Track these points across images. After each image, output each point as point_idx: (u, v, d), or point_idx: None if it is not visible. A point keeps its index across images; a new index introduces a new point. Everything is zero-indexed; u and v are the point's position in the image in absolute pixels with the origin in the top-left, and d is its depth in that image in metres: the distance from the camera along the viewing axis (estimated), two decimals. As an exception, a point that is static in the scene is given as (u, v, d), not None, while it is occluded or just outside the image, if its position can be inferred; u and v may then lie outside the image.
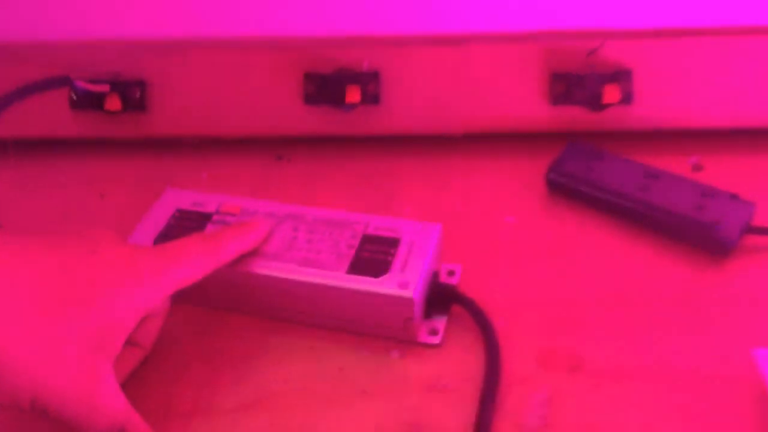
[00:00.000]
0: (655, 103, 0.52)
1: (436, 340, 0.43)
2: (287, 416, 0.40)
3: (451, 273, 0.46)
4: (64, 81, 0.53)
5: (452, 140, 0.55)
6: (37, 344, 0.34)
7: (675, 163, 0.51)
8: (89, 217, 0.52)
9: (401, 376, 0.41)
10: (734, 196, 0.47)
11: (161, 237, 0.44)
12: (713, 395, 0.39)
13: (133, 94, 0.54)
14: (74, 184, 0.55)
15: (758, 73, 0.52)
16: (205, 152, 0.56)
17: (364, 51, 0.53)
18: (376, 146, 0.55)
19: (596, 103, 0.52)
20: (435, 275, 0.44)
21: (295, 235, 0.44)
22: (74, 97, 0.54)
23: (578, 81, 0.52)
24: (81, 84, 0.53)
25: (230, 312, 0.45)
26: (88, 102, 0.54)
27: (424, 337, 0.43)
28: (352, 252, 0.43)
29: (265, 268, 0.42)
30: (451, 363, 0.42)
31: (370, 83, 0.53)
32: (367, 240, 0.43)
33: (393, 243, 0.43)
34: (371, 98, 0.53)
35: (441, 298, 0.43)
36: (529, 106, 0.53)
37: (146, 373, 0.41)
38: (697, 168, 0.52)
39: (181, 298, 0.41)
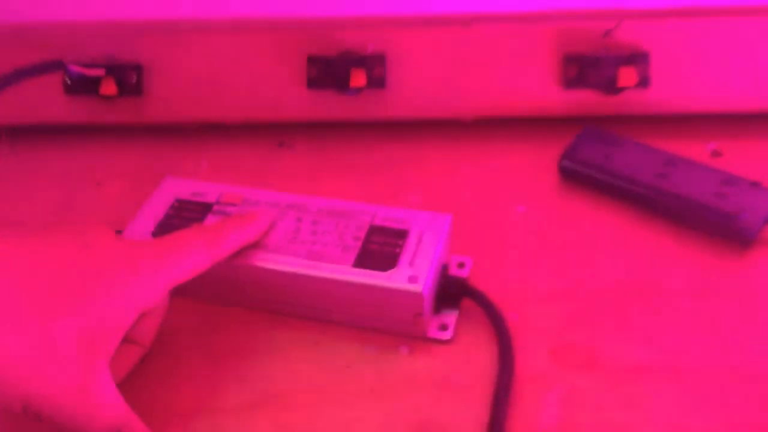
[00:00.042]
0: (672, 87, 0.51)
1: (446, 335, 0.41)
2: (292, 416, 0.39)
3: (461, 265, 0.44)
4: (57, 65, 0.52)
5: (461, 126, 0.53)
6: (28, 345, 0.32)
7: (693, 149, 0.50)
8: (85, 207, 0.51)
9: (410, 374, 0.40)
10: (755, 184, 0.46)
11: (160, 228, 0.43)
12: (736, 392, 0.38)
13: (129, 78, 0.53)
14: (69, 173, 0.53)
15: (781, 54, 0.50)
16: (204, 139, 0.55)
17: (369, 33, 0.51)
18: (382, 132, 0.54)
19: (611, 87, 0.50)
20: (444, 268, 0.42)
21: (298, 226, 0.42)
22: (68, 82, 0.53)
23: (592, 63, 0.50)
24: (75, 68, 0.52)
25: (232, 307, 0.44)
26: (83, 86, 0.53)
27: (433, 332, 0.41)
28: (359, 244, 0.41)
29: (267, 262, 0.41)
30: (462, 359, 0.41)
31: (375, 66, 0.51)
32: (374, 231, 0.42)
33: (401, 234, 0.41)
34: (377, 82, 0.52)
35: (451, 291, 0.42)
36: (541, 89, 0.51)
37: (145, 371, 0.40)
38: (716, 154, 0.51)
39: (180, 293, 0.39)
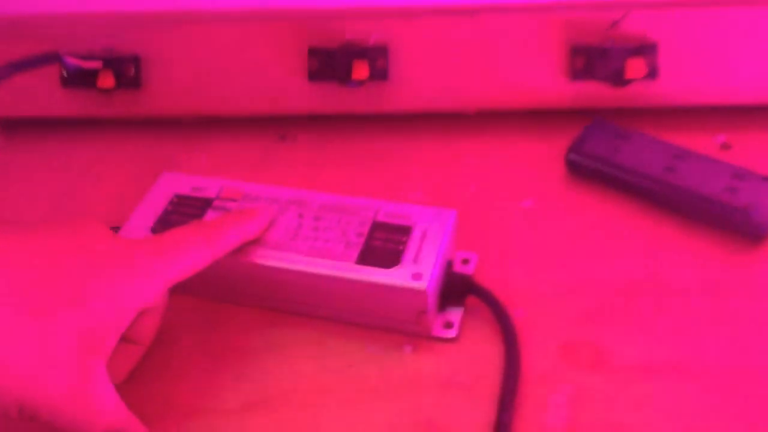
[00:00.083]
0: (681, 78, 0.50)
1: (451, 333, 0.40)
2: (293, 417, 0.38)
3: (465, 261, 0.44)
4: (53, 57, 0.51)
5: (465, 118, 0.53)
6: (22, 346, 0.32)
7: (702, 142, 0.49)
8: (83, 201, 0.50)
9: (414, 373, 0.39)
10: (767, 178, 0.45)
11: (158, 224, 0.42)
12: (749, 390, 0.37)
13: (127, 70, 0.52)
14: (67, 166, 0.53)
15: (792, 45, 0.49)
16: (203, 132, 0.54)
17: (371, 23, 0.50)
18: (385, 125, 0.53)
19: (619, 79, 0.49)
20: (449, 264, 0.41)
21: (300, 222, 0.41)
22: (65, 74, 0.52)
23: (600, 54, 0.49)
24: (71, 60, 0.51)
25: (232, 304, 0.43)
26: (80, 79, 0.52)
27: (438, 330, 0.41)
28: (362, 240, 0.40)
29: (268, 259, 0.40)
30: (467, 358, 0.40)
31: (378, 58, 0.50)
32: (378, 227, 0.41)
33: (405, 231, 0.41)
34: (379, 74, 0.51)
35: (456, 288, 0.41)
36: (547, 81, 0.50)
37: (143, 371, 0.40)
38: (726, 147, 0.50)
39: (179, 290, 0.38)
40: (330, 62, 0.51)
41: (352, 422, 0.38)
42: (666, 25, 0.49)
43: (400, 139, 0.53)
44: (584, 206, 0.47)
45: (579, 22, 0.50)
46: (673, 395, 0.37)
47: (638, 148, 0.48)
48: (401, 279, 0.39)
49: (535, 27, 0.50)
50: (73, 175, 0.52)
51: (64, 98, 0.52)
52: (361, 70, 0.50)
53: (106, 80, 0.51)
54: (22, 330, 0.32)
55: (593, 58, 0.49)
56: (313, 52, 0.51)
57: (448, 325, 0.41)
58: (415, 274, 0.39)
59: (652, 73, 0.49)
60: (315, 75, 0.51)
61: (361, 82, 0.50)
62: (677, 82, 0.50)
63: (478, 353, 0.40)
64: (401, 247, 0.40)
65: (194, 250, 0.37)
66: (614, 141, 0.48)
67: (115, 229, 0.42)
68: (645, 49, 0.49)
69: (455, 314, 0.41)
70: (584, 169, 0.48)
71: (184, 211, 0.43)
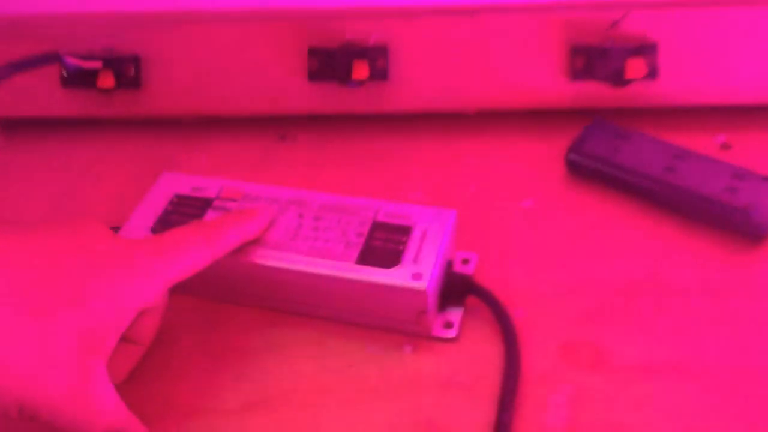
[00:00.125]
0: (681, 79, 0.50)
1: (451, 333, 0.40)
2: (293, 417, 0.38)
3: (465, 261, 0.44)
4: (53, 57, 0.51)
5: (465, 119, 0.52)
6: (22, 347, 0.32)
7: (702, 142, 0.49)
8: (83, 202, 0.50)
9: (414, 373, 0.39)
10: (767, 178, 0.45)
11: (159, 224, 0.42)
12: (749, 391, 0.37)
13: (127, 70, 0.52)
14: (67, 167, 0.53)
15: (792, 45, 0.49)
16: (203, 132, 0.54)
17: (371, 23, 0.50)
18: (385, 125, 0.53)
19: (619, 79, 0.49)
20: (449, 264, 0.41)
21: (300, 222, 0.41)
22: (65, 74, 0.52)
23: (600, 55, 0.49)
24: (71, 60, 0.51)
25: (232, 304, 0.43)
26: (80, 79, 0.52)
27: (438, 330, 0.41)
28: (362, 240, 0.40)
29: (268, 259, 0.40)
30: (467, 358, 0.40)
31: (378, 58, 0.50)
32: (378, 227, 0.41)
33: (405, 231, 0.40)
34: (379, 74, 0.50)
35: (456, 288, 0.41)
36: (547, 81, 0.50)
37: (143, 371, 0.39)
38: (726, 147, 0.50)
39: (179, 290, 0.38)
40: (330, 62, 0.50)
41: (352, 422, 0.37)
42: (666, 25, 0.49)
43: (400, 139, 0.52)
44: (584, 206, 0.47)
45: (579, 22, 0.49)
46: (674, 395, 0.37)
47: (638, 148, 0.47)
48: (401, 279, 0.38)
49: (535, 27, 0.50)
50: (73, 175, 0.52)
51: (64, 98, 0.52)
52: (361, 70, 0.50)
53: (106, 80, 0.51)
54: (22, 330, 0.32)
55: (593, 58, 0.49)
56: (313, 52, 0.51)
57: (448, 325, 0.41)
58: (415, 274, 0.39)
59: (652, 73, 0.49)
60: (315, 75, 0.51)
61: (361, 82, 0.50)
62: (677, 82, 0.50)
63: (478, 353, 0.40)
64: (401, 247, 0.40)
65: (194, 250, 0.37)
66: (614, 141, 0.48)
67: (115, 229, 0.42)
68: (645, 49, 0.49)
69: (455, 314, 0.41)
70: (584, 169, 0.48)
71: (184, 211, 0.43)
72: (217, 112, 0.53)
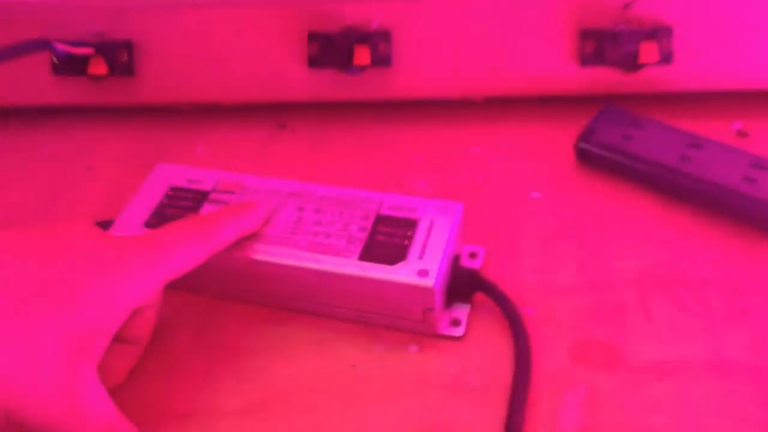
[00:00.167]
0: (696, 63, 0.48)
1: (458, 331, 0.39)
2: (293, 418, 0.37)
3: (473, 255, 0.42)
4: (43, 44, 0.49)
5: (471, 106, 0.51)
6: (8, 350, 0.30)
7: (717, 129, 0.48)
8: (76, 192, 0.49)
9: (420, 373, 0.38)
10: (786, 167, 0.43)
11: (154, 218, 0.41)
12: (769, 393, 0.36)
13: (120, 56, 0.50)
14: (58, 156, 0.51)
15: (812, 28, 0.47)
16: (199, 121, 0.52)
17: (372, 7, 0.49)
18: (388, 113, 0.52)
19: (631, 64, 0.48)
20: (456, 259, 0.40)
21: (300, 216, 0.40)
22: (55, 61, 0.50)
23: (611, 39, 0.48)
24: (62, 47, 0.49)
25: (231, 301, 0.41)
26: (71, 66, 0.50)
27: (445, 328, 0.39)
28: (365, 235, 0.39)
29: (267, 254, 0.38)
30: (475, 357, 0.38)
31: (380, 43, 0.49)
32: (381, 221, 0.39)
33: (410, 225, 0.39)
34: (381, 60, 0.49)
35: (463, 284, 0.40)
36: (556, 66, 0.49)
37: (138, 370, 0.38)
38: (742, 134, 0.48)
39: (175, 286, 0.37)
40: (330, 48, 0.49)
41: (355, 425, 0.36)
42: (681, 7, 0.47)
43: (404, 127, 0.51)
44: (595, 197, 0.46)
45: (589, 5, 0.48)
46: (690, 396, 0.36)
47: (651, 136, 0.46)
48: (406, 276, 0.37)
49: (543, 10, 0.48)
50: (64, 166, 0.50)
51: (55, 86, 0.51)
52: (362, 56, 0.48)
53: (98, 67, 0.50)
54: (6, 333, 0.30)
55: (604, 43, 0.48)
56: (312, 37, 0.49)
57: (455, 323, 0.39)
58: (421, 270, 0.37)
59: (666, 58, 0.48)
60: (315, 61, 0.49)
61: (362, 69, 0.49)
62: (692, 67, 0.48)
63: (486, 352, 0.38)
64: (406, 242, 0.38)
65: (190, 246, 0.36)
66: (626, 129, 0.47)
67: (109, 222, 0.40)
68: (659, 33, 0.47)
69: (462, 311, 0.40)
70: (595, 158, 0.47)
71: (180, 204, 0.41)
72: (213, 100, 0.51)
